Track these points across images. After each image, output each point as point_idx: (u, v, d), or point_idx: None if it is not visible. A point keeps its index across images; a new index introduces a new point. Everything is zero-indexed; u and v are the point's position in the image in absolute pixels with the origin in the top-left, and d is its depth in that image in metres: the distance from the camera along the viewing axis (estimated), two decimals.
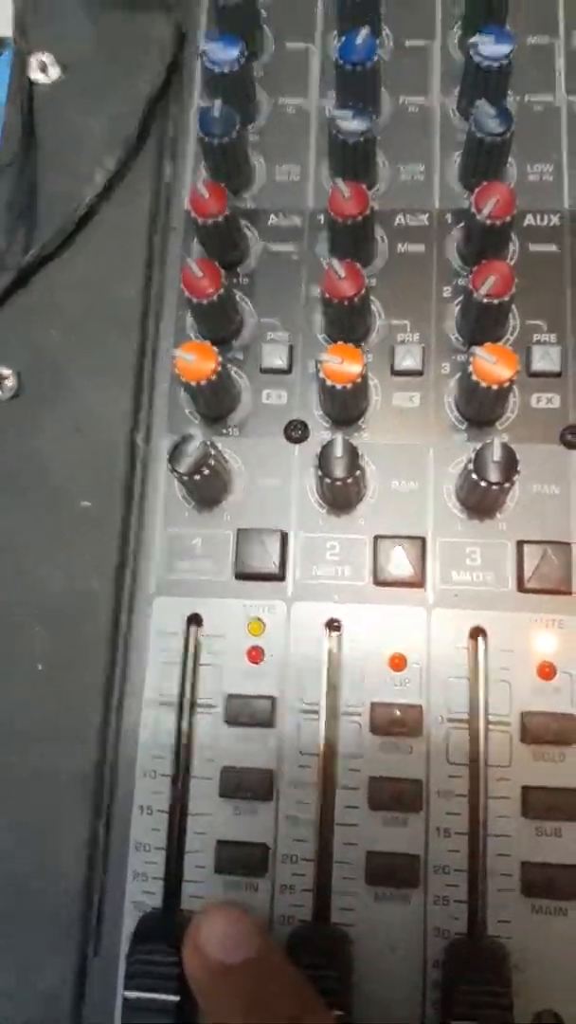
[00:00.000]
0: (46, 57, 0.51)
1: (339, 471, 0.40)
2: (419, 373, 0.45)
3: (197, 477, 0.41)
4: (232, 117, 0.45)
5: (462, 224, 0.46)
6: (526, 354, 0.45)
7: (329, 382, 0.41)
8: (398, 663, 0.42)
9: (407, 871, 0.39)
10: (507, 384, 0.40)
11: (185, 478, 0.41)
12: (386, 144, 0.49)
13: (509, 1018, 0.35)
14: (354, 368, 0.41)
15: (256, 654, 0.43)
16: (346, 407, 0.44)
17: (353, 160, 0.46)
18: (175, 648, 0.43)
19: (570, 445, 0.43)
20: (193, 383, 0.42)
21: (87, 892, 0.41)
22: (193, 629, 0.44)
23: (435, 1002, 0.38)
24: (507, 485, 0.39)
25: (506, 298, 0.41)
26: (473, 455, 0.40)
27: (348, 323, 0.44)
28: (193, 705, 0.43)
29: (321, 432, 0.45)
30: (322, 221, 0.47)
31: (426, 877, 0.39)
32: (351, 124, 0.44)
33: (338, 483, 0.40)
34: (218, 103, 0.45)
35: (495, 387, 0.40)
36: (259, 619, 0.43)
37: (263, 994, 0.33)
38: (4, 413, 0.47)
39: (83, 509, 0.45)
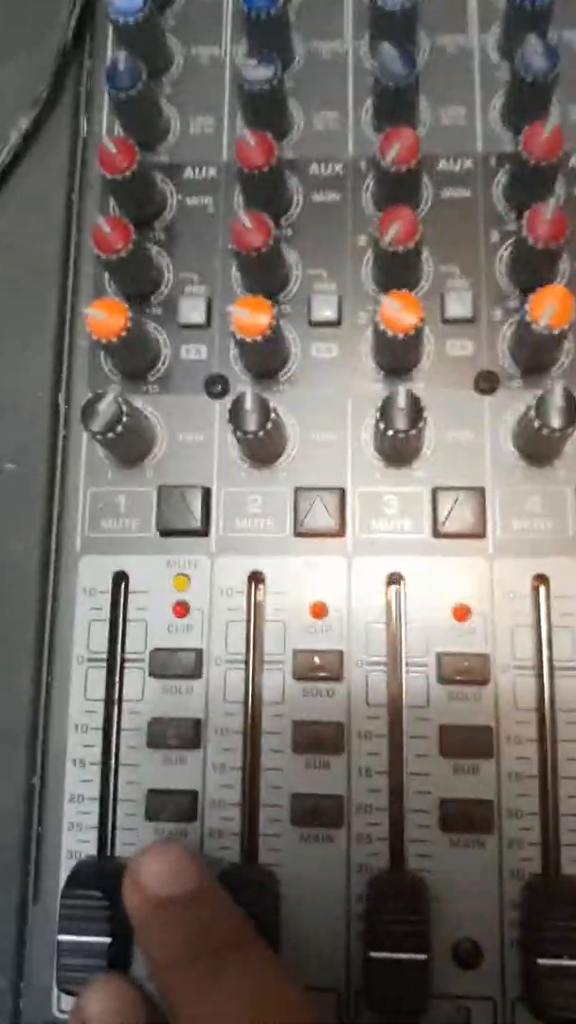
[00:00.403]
0: None
1: (250, 424, 0.41)
2: (336, 323, 0.46)
3: (111, 435, 0.41)
4: (137, 69, 0.44)
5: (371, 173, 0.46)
6: (440, 300, 0.45)
7: (239, 335, 0.41)
8: (319, 611, 0.42)
9: (330, 812, 0.40)
10: (412, 331, 0.40)
11: (99, 436, 0.41)
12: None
13: (426, 945, 0.37)
14: (262, 319, 0.41)
15: (182, 609, 0.43)
16: (262, 359, 0.44)
17: (261, 109, 0.45)
18: (102, 605, 0.44)
19: (483, 391, 0.44)
20: (105, 340, 0.42)
21: (24, 843, 0.42)
22: (119, 586, 0.44)
23: (359, 934, 0.39)
24: (413, 432, 0.39)
25: (411, 245, 0.41)
26: (380, 405, 0.40)
27: (260, 275, 0.44)
28: (122, 660, 0.44)
29: (241, 387, 0.45)
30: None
31: (349, 816, 0.41)
32: (256, 72, 0.44)
33: (250, 436, 0.41)
34: (123, 55, 0.45)
35: (402, 335, 0.40)
36: (184, 574, 0.44)
37: (201, 926, 0.34)
38: None
39: (8, 471, 0.46)
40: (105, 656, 0.43)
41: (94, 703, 0.43)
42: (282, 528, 0.44)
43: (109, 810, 0.42)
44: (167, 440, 0.45)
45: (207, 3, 0.51)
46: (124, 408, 0.41)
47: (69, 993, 0.39)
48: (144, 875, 0.35)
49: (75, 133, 0.50)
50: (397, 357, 0.43)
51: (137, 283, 0.46)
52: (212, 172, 0.48)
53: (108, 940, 0.38)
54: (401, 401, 0.39)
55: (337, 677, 0.41)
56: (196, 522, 0.43)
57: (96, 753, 0.43)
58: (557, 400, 0.39)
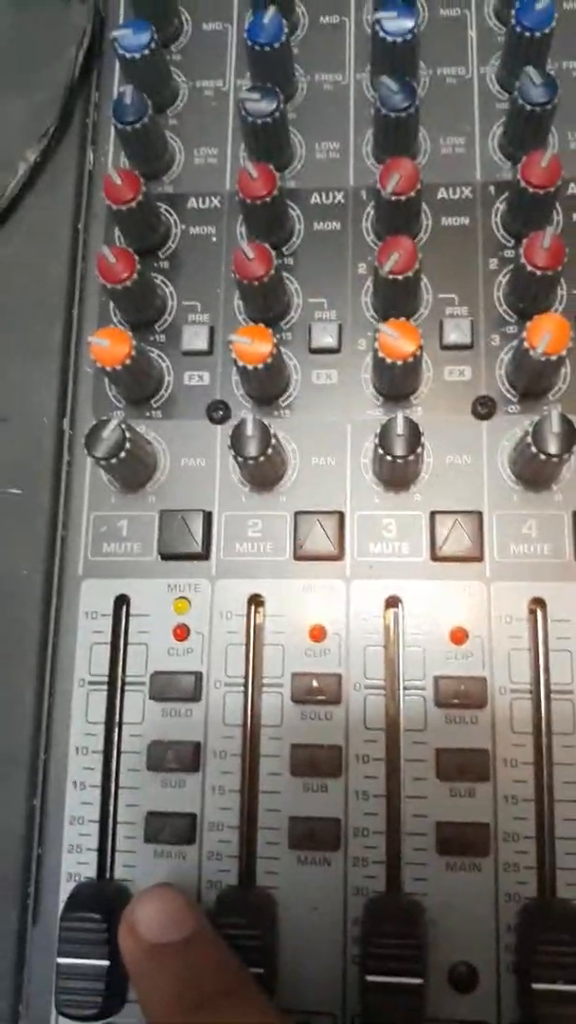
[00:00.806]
0: None
1: (251, 450, 0.41)
2: (336, 350, 0.46)
3: (114, 460, 0.42)
4: (143, 103, 0.45)
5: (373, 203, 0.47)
6: (439, 328, 0.45)
7: (241, 362, 0.42)
8: (318, 634, 0.43)
9: (328, 835, 0.41)
10: (411, 359, 0.40)
11: (103, 462, 0.42)
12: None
13: (422, 969, 0.37)
14: (264, 347, 0.41)
15: (182, 632, 0.44)
16: (263, 386, 0.45)
17: (264, 141, 0.46)
18: (103, 629, 0.44)
19: (481, 416, 0.44)
20: (109, 368, 0.42)
21: (25, 865, 0.43)
22: (121, 609, 0.45)
23: (355, 957, 0.39)
24: (411, 458, 0.40)
25: (410, 274, 0.41)
26: (378, 431, 0.41)
27: (262, 303, 0.45)
28: (122, 683, 0.44)
29: (243, 412, 0.46)
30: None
31: (346, 839, 0.41)
32: (258, 106, 0.45)
33: (251, 462, 0.41)
34: (129, 89, 0.46)
35: (400, 362, 0.41)
36: (184, 598, 0.44)
37: (193, 972, 0.34)
38: None
39: (12, 496, 0.46)
40: (106, 679, 0.44)
41: (95, 726, 0.44)
42: (282, 551, 0.44)
43: (109, 832, 0.43)
44: (169, 465, 0.46)
45: (211, 37, 0.52)
46: (127, 435, 0.42)
47: (68, 1016, 0.39)
48: (138, 920, 0.35)
49: (81, 165, 0.51)
50: (396, 384, 0.44)
51: (141, 311, 0.47)
52: (215, 202, 0.49)
53: (107, 963, 0.38)
54: (399, 428, 0.40)
55: (335, 700, 0.42)
56: (197, 546, 0.44)
57: (96, 776, 0.43)
58: (554, 426, 0.40)
